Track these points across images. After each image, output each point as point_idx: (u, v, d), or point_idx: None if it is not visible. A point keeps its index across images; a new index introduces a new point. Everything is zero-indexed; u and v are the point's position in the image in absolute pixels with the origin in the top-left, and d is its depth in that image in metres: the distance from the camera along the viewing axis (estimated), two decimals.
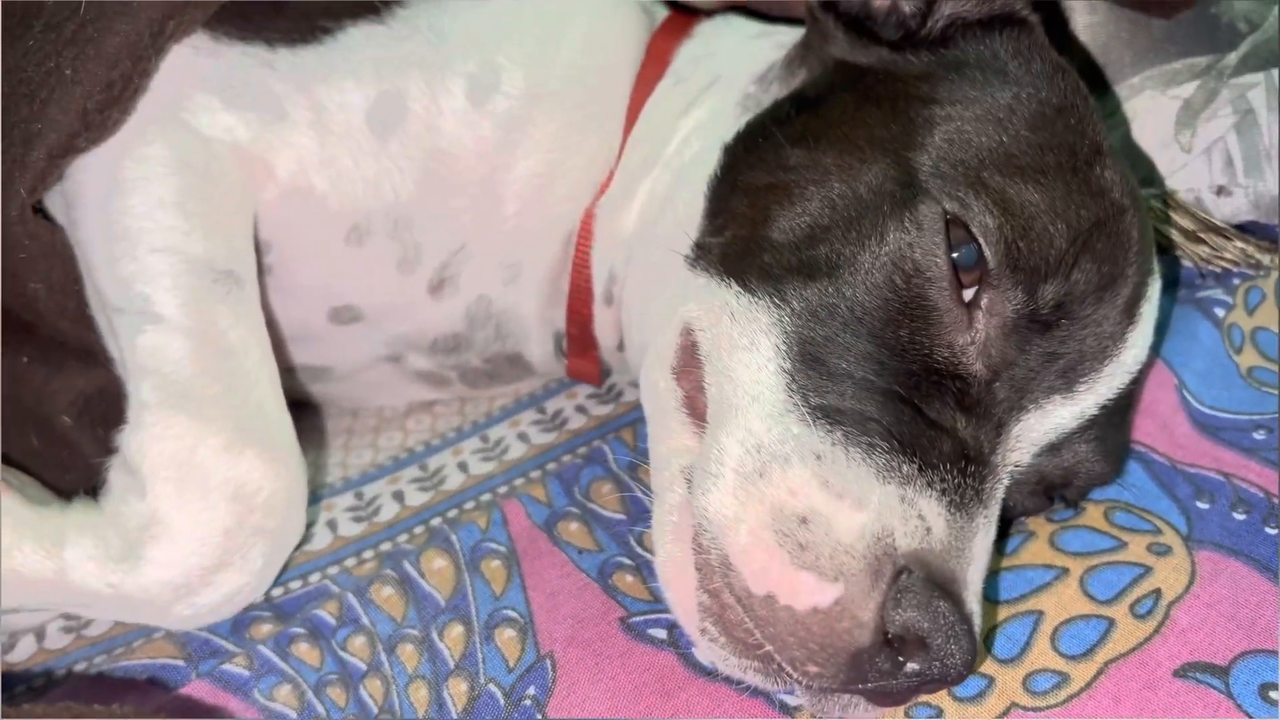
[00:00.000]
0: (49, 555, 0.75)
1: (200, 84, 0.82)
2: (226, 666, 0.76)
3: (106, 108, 0.80)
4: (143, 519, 0.76)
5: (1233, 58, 0.93)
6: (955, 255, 0.67)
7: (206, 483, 0.75)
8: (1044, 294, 0.67)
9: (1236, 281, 0.92)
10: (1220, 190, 0.94)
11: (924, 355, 0.68)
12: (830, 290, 0.69)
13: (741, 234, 0.74)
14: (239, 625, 0.79)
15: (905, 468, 0.63)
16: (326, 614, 0.79)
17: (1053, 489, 0.76)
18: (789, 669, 0.63)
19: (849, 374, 0.67)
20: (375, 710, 0.74)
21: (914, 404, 0.66)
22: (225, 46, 0.83)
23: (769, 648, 0.63)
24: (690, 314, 0.73)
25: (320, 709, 0.74)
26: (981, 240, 0.67)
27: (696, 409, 0.72)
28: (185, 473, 0.75)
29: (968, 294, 0.68)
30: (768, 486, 0.63)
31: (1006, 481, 0.69)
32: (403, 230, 0.86)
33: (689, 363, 0.73)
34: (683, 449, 0.71)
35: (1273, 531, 0.76)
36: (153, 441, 0.76)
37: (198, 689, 0.74)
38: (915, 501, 0.63)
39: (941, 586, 0.61)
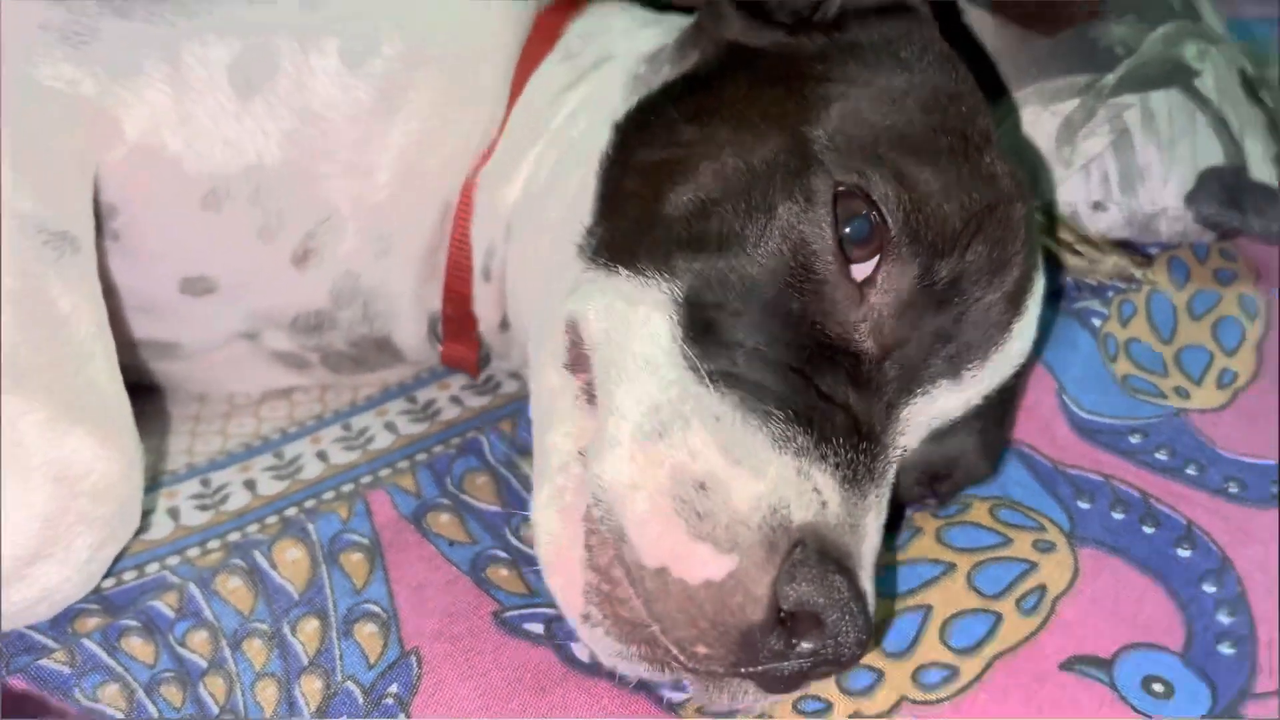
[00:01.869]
0: None
1: (41, 30, 0.75)
2: (44, 663, 0.67)
3: None
4: None
5: (1110, 78, 0.96)
6: (847, 230, 0.66)
7: (25, 462, 0.67)
8: (940, 269, 0.67)
9: (1111, 294, 0.94)
10: (1096, 205, 0.96)
11: (816, 330, 0.66)
12: (721, 263, 0.67)
13: (633, 214, 0.72)
14: (60, 618, 0.71)
15: (800, 439, 0.61)
16: (164, 606, 0.71)
17: (935, 480, 0.75)
18: (676, 651, 0.59)
19: (741, 344, 0.65)
20: (216, 710, 0.67)
21: (806, 376, 0.64)
22: None
23: (655, 628, 0.59)
24: (577, 310, 0.70)
25: (152, 710, 0.66)
26: (882, 207, 0.65)
27: (594, 396, 0.68)
28: (3, 451, 0.67)
29: (863, 270, 0.66)
30: (668, 448, 0.60)
31: (896, 464, 0.68)
32: (265, 196, 0.81)
33: (580, 357, 0.69)
34: (580, 430, 0.67)
35: (1150, 530, 0.77)
36: None
37: (13, 685, 0.66)
38: (810, 474, 0.60)
39: (836, 561, 0.58)
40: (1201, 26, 1.00)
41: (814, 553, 0.58)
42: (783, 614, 0.58)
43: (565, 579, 0.63)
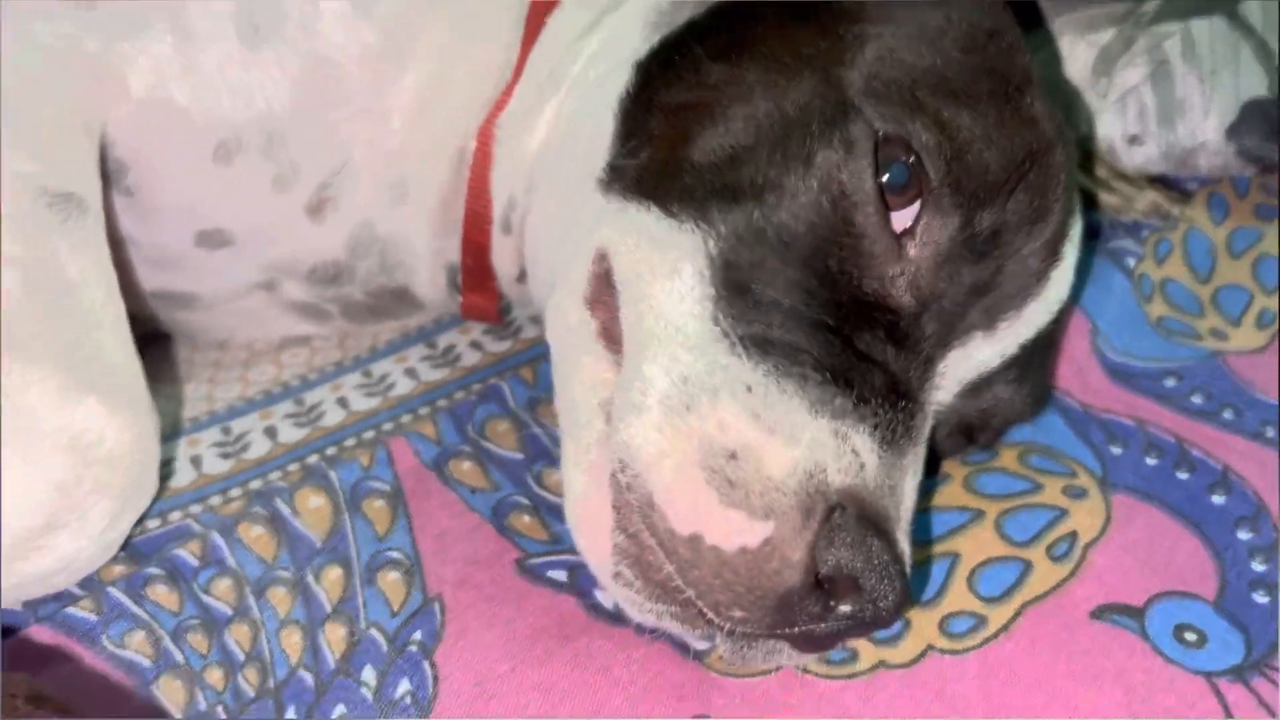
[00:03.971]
0: None
1: None
2: (71, 610, 0.67)
3: None
4: None
5: (1150, 6, 0.93)
6: (886, 177, 0.64)
7: (37, 430, 0.65)
8: (981, 220, 0.64)
9: (1146, 233, 0.92)
10: (1133, 140, 0.93)
11: (853, 285, 0.64)
12: (756, 214, 0.64)
13: (659, 155, 0.69)
14: None
15: (839, 401, 0.59)
16: (188, 554, 0.72)
17: (971, 430, 0.73)
18: (712, 615, 0.59)
19: (777, 303, 0.63)
20: (242, 657, 0.67)
21: (844, 335, 0.63)
22: None
23: (690, 593, 0.59)
24: (605, 239, 0.68)
25: (178, 656, 0.67)
26: (923, 155, 0.63)
27: (613, 339, 0.66)
28: (11, 419, 0.65)
29: (902, 220, 0.64)
30: (696, 420, 0.58)
31: (932, 420, 0.66)
32: (277, 146, 0.79)
33: (603, 292, 0.67)
34: (600, 381, 0.65)
35: (1184, 476, 0.75)
36: None
37: (36, 635, 0.66)
38: (849, 436, 0.59)
39: (874, 525, 0.57)
40: None
41: (852, 517, 0.57)
42: (820, 576, 0.57)
43: (593, 540, 0.62)
